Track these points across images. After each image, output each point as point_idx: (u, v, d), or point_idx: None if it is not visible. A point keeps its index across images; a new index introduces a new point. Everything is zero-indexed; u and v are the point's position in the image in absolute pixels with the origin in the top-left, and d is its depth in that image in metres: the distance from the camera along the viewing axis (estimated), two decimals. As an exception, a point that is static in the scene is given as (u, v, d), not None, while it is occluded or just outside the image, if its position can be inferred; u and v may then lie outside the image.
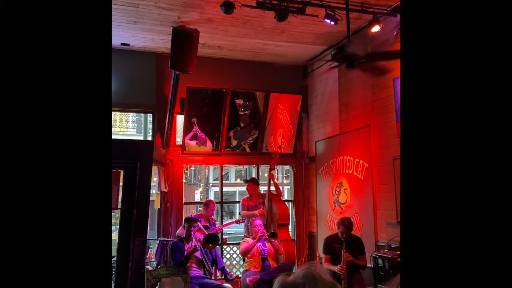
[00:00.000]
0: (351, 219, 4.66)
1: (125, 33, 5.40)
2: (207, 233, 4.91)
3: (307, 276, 1.09)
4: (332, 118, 6.15)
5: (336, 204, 5.87)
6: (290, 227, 7.14)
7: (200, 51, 5.39)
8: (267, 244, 5.05)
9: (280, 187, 6.57)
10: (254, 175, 7.02)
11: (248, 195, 6.03)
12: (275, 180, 6.03)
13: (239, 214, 6.28)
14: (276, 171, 11.23)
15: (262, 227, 5.13)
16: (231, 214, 13.48)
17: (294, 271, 4.11)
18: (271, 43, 5.84)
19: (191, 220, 4.96)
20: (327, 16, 4.54)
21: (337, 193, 5.87)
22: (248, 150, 6.53)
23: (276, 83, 6.59)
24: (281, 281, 1.11)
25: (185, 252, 4.74)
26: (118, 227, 4.82)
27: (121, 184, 4.67)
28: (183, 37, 5.00)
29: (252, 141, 6.52)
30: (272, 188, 5.87)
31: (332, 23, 4.58)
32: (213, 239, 4.87)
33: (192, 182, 12.46)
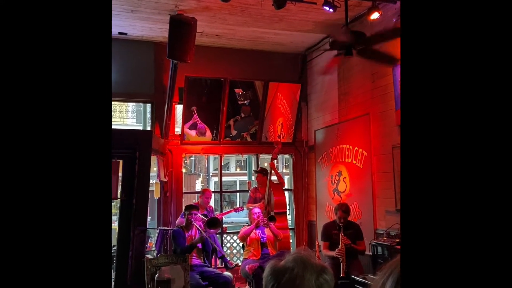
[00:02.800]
0: (348, 205, 4.72)
1: (122, 22, 5.36)
2: (206, 220, 4.96)
3: (296, 260, 1.10)
4: (331, 107, 6.13)
5: (335, 193, 5.89)
6: (289, 216, 7.18)
7: (198, 40, 5.36)
8: (266, 231, 5.09)
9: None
10: (253, 165, 7.01)
11: (255, 186, 5.99)
12: (276, 170, 6.02)
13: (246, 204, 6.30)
14: (276, 161, 11.24)
15: (261, 214, 5.16)
16: (231, 203, 13.52)
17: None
18: (270, 31, 5.80)
19: (190, 208, 4.98)
20: (326, 3, 4.50)
21: (336, 181, 5.88)
22: (249, 139, 6.53)
23: (275, 72, 6.56)
24: (272, 265, 1.13)
25: (186, 240, 4.77)
26: (118, 216, 4.86)
27: (120, 174, 4.69)
28: (181, 26, 4.96)
29: (255, 131, 6.52)
30: (274, 177, 5.87)
31: (331, 10, 4.54)
32: (215, 223, 4.93)
33: (192, 172, 12.50)
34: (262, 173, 5.86)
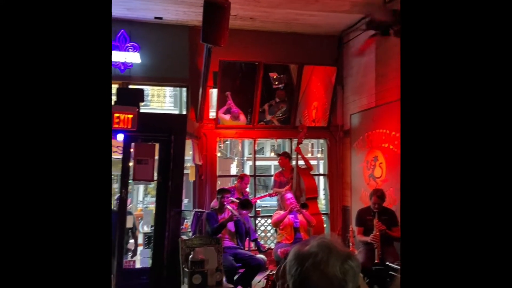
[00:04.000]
0: (384, 191, 4.61)
1: (157, 6, 5.41)
2: (239, 201, 5.02)
3: (321, 245, 1.08)
4: (368, 90, 5.95)
5: (371, 178, 5.76)
6: (324, 201, 7.12)
7: (232, 23, 5.31)
8: (299, 216, 5.08)
9: (315, 162, 6.50)
10: (287, 149, 6.98)
11: (280, 170, 6.01)
12: (303, 154, 5.97)
13: (271, 189, 6.33)
14: (310, 145, 11.11)
15: (294, 199, 5.15)
16: (266, 188, 13.59)
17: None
18: (305, 12, 5.67)
19: (223, 191, 5.06)
20: (363, -18, 4.33)
21: (372, 167, 5.75)
22: (277, 124, 6.47)
23: (310, 55, 6.43)
24: (296, 250, 1.11)
25: (218, 223, 4.85)
26: (155, 198, 5.01)
27: (156, 157, 4.81)
28: (215, 9, 4.93)
29: (281, 115, 6.45)
30: (301, 162, 5.82)
31: (368, -11, 4.37)
32: (247, 205, 4.99)
33: (227, 156, 12.64)
34: (284, 155, 5.91)
